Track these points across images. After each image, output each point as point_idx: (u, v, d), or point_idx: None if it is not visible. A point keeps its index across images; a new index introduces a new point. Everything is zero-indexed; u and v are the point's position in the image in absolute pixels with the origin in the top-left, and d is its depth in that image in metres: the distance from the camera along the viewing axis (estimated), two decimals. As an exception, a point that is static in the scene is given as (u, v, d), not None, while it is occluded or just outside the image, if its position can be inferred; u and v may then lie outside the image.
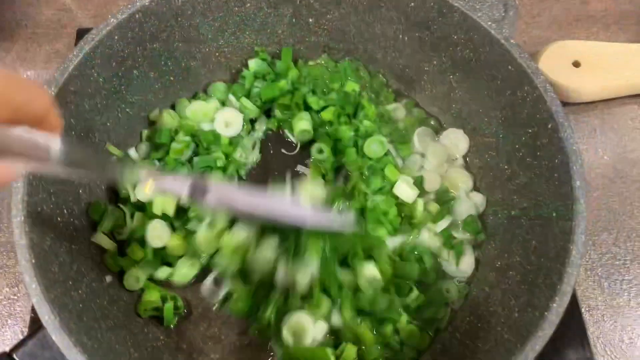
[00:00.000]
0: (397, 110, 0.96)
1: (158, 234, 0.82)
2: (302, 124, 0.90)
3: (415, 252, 0.84)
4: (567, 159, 0.72)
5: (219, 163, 0.88)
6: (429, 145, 0.92)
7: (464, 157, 0.93)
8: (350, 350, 0.77)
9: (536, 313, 0.67)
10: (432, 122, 0.95)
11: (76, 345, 0.61)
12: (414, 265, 0.82)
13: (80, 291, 0.71)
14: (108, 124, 0.84)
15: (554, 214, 0.73)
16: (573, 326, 0.85)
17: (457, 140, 0.93)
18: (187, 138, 0.88)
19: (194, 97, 0.95)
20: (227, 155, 0.89)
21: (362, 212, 0.85)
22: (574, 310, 0.86)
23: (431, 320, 0.81)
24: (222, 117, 0.91)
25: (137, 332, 0.77)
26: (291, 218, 0.72)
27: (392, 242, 0.84)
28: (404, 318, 0.80)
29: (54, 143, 0.48)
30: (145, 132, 0.90)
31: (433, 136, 0.94)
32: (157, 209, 0.82)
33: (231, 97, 0.93)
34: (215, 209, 0.70)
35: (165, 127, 0.89)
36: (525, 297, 0.73)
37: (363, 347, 0.78)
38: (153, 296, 0.80)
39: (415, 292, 0.81)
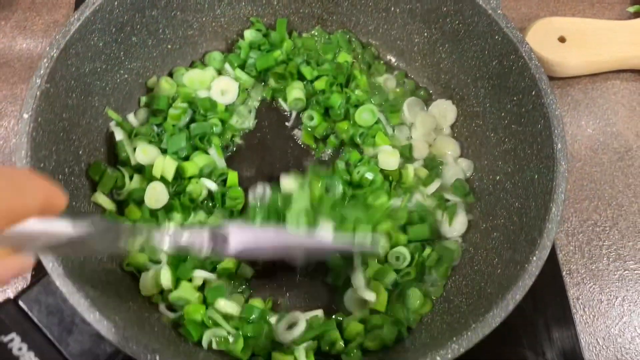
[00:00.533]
0: (388, 81, 0.99)
1: (156, 197, 0.84)
2: (295, 92, 0.93)
3: (422, 212, 0.87)
4: (549, 123, 0.76)
5: (216, 129, 0.90)
6: (418, 115, 0.95)
7: (452, 126, 0.96)
8: (355, 326, 0.78)
9: (517, 267, 0.70)
10: (422, 93, 0.98)
11: (79, 291, 0.63)
12: (425, 225, 0.85)
13: (81, 245, 0.74)
14: (107, 89, 0.86)
15: (536, 176, 0.77)
16: (554, 288, 0.89)
17: (445, 111, 0.96)
18: (184, 104, 0.91)
19: (191, 65, 0.97)
20: (223, 122, 0.92)
21: (348, 184, 0.88)
22: (555, 273, 0.90)
23: (441, 278, 0.83)
24: (219, 86, 0.93)
25: (135, 287, 0.79)
26: (313, 249, 0.75)
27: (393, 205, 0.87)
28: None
29: (66, 227, 0.47)
30: (143, 99, 0.93)
31: (422, 106, 0.97)
32: (156, 172, 0.84)
33: (227, 66, 0.96)
34: (239, 255, 0.68)
35: (163, 93, 0.92)
36: (507, 255, 0.76)
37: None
38: (139, 259, 0.81)
39: (428, 249, 0.84)
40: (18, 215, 0.44)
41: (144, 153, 0.86)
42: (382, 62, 1.01)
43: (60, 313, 0.65)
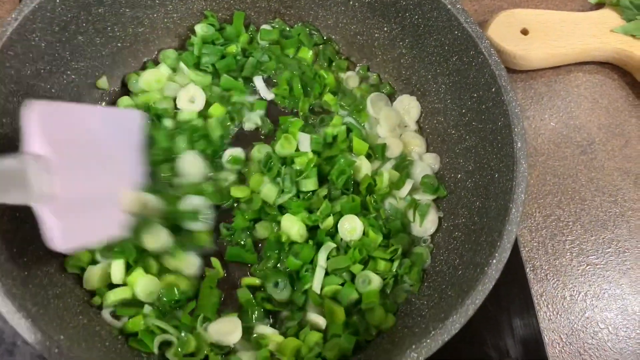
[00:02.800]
0: (350, 79, 0.96)
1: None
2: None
3: (402, 218, 0.86)
4: (509, 122, 0.74)
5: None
6: (382, 110, 0.93)
7: (417, 122, 0.94)
8: (313, 335, 0.76)
9: (478, 270, 0.69)
10: (387, 87, 0.96)
11: (20, 310, 0.60)
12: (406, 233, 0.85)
13: (25, 258, 0.70)
14: (53, 90, 0.82)
15: (497, 175, 0.76)
16: (517, 285, 0.88)
17: (409, 107, 0.94)
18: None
19: (142, 67, 0.93)
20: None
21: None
22: (518, 269, 0.89)
23: (416, 282, 0.81)
24: (186, 94, 0.90)
25: (86, 300, 0.76)
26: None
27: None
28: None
29: None
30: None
31: (387, 101, 0.95)
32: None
33: (182, 65, 0.92)
34: None
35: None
36: (468, 256, 0.75)
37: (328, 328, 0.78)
38: (83, 257, 0.78)
39: (399, 257, 0.82)
40: None
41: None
42: (343, 57, 0.98)
43: (1, 334, 0.62)
